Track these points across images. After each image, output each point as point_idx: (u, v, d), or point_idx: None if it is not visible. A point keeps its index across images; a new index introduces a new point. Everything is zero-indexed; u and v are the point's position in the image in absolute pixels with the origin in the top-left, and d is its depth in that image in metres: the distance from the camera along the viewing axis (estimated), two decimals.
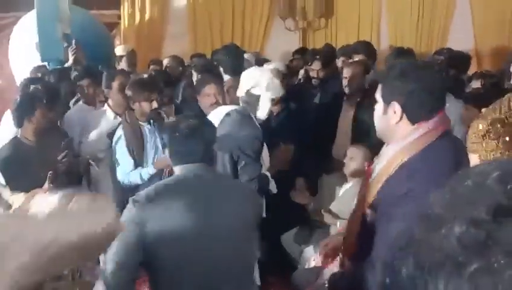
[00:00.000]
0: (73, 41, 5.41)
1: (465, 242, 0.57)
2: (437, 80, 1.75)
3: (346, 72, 3.92)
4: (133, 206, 2.06)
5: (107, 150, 3.75)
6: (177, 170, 2.23)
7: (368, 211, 1.76)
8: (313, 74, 4.51)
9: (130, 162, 3.41)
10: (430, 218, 0.62)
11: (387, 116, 1.75)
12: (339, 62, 4.84)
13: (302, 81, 5.10)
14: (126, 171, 3.38)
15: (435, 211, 0.62)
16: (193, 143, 2.19)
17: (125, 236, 1.99)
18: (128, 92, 3.54)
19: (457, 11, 6.81)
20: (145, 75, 5.01)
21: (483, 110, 1.99)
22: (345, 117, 3.96)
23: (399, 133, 1.74)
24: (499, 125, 1.44)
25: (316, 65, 4.56)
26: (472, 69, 5.24)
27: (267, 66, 3.35)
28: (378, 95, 1.79)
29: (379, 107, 1.79)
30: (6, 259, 0.87)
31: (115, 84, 3.88)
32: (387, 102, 1.74)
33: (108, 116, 3.92)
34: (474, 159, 1.62)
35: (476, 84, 3.69)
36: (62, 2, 5.76)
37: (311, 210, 3.61)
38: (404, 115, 1.71)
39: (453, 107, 3.48)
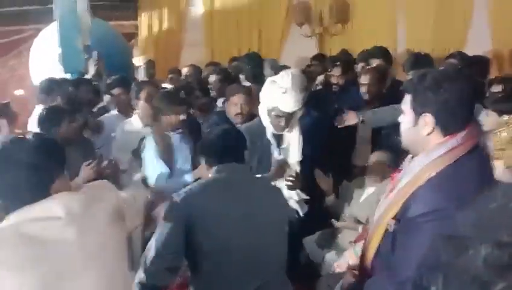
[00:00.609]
0: (95, 53, 5.51)
1: (490, 263, 0.60)
2: (469, 90, 1.70)
3: (364, 79, 3.93)
4: (176, 200, 2.22)
5: (130, 162, 3.81)
6: (213, 171, 2.38)
7: (391, 221, 1.73)
8: (333, 80, 4.53)
9: (166, 169, 3.45)
10: (457, 240, 0.64)
11: (417, 128, 1.70)
12: (358, 68, 4.85)
13: (320, 87, 5.12)
14: (163, 179, 3.41)
15: (461, 233, 0.64)
16: (227, 143, 2.40)
17: (167, 227, 2.20)
18: (157, 104, 3.60)
19: (475, 13, 6.76)
20: (166, 84, 5.09)
21: (504, 117, 1.98)
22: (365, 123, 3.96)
23: (428, 145, 1.70)
24: None
25: (336, 71, 4.58)
26: (492, 72, 5.20)
27: (285, 78, 3.16)
28: (406, 106, 1.74)
29: (407, 118, 1.74)
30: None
31: (143, 95, 3.94)
32: (418, 113, 1.69)
33: (135, 126, 3.96)
34: (499, 166, 1.61)
35: (496, 88, 3.66)
36: (83, 13, 5.86)
37: (331, 208, 3.63)
38: (437, 127, 1.67)
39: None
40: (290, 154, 3.31)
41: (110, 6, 7.54)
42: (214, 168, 2.38)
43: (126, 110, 4.28)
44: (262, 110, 3.23)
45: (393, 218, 1.73)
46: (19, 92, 7.17)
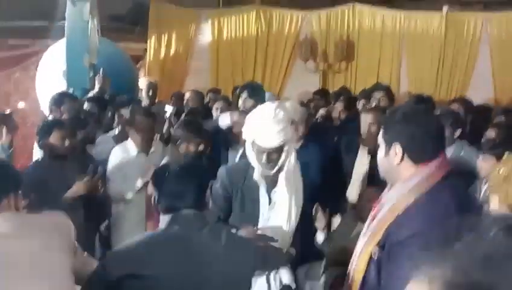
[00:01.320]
0: (101, 70, 5.57)
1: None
2: (437, 124, 1.88)
3: (366, 118, 3.89)
4: (105, 264, 1.92)
5: (136, 192, 3.80)
6: (164, 220, 1.98)
7: (375, 248, 1.80)
8: (335, 113, 4.57)
9: None
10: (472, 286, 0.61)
11: (389, 158, 1.84)
12: (359, 104, 4.90)
13: (319, 121, 5.15)
14: None
15: (472, 279, 0.59)
16: (183, 184, 1.97)
17: None
18: (178, 133, 3.58)
19: (479, 60, 6.87)
20: (168, 107, 5.14)
21: (505, 154, 2.09)
22: (361, 161, 3.97)
23: (402, 174, 1.82)
24: None
25: (340, 106, 4.62)
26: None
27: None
28: (380, 138, 1.90)
29: (381, 149, 1.89)
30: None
31: (131, 122, 3.94)
32: (389, 144, 1.84)
33: (130, 152, 3.91)
34: (494, 200, 1.67)
35: (490, 133, 3.69)
36: (92, 33, 5.96)
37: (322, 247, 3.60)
38: (406, 156, 1.80)
39: (467, 156, 3.50)
40: (278, 203, 2.76)
41: (119, 28, 7.66)
42: (165, 217, 1.97)
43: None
44: (247, 146, 2.74)
45: (376, 245, 1.79)
46: (21, 105, 7.21)
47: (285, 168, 2.71)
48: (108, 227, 4.01)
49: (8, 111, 3.91)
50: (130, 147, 3.91)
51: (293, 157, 2.73)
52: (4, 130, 3.60)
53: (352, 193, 4.09)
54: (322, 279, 3.38)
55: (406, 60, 7.24)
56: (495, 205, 1.69)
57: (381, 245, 1.78)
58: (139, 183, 3.76)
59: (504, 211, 1.66)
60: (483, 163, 3.26)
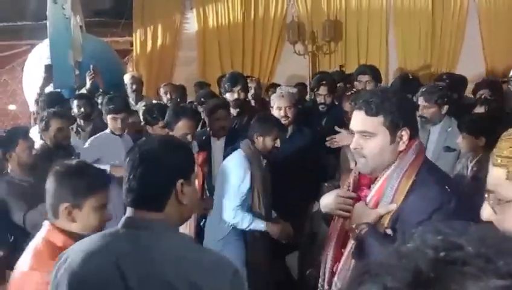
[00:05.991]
0: (91, 67, 5.51)
1: None
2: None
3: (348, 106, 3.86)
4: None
5: None
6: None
7: (388, 231, 1.71)
8: (320, 99, 4.51)
9: None
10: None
11: (394, 145, 1.73)
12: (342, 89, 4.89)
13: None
14: None
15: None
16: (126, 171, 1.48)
17: None
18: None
19: (467, 34, 6.81)
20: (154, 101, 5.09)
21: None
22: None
23: (392, 159, 1.75)
24: None
25: (323, 90, 4.55)
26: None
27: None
28: (378, 127, 1.73)
29: (381, 139, 1.73)
30: None
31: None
32: (395, 130, 1.72)
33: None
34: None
35: (479, 109, 3.66)
36: (75, 30, 5.88)
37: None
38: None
39: (454, 132, 3.47)
40: None
41: (104, 23, 7.57)
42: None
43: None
44: None
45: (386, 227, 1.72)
46: (12, 107, 7.17)
47: None
48: None
49: None
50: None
51: None
52: None
53: (342, 176, 4.08)
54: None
55: (395, 37, 7.17)
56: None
57: (392, 226, 1.71)
58: None
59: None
60: (464, 141, 3.26)
